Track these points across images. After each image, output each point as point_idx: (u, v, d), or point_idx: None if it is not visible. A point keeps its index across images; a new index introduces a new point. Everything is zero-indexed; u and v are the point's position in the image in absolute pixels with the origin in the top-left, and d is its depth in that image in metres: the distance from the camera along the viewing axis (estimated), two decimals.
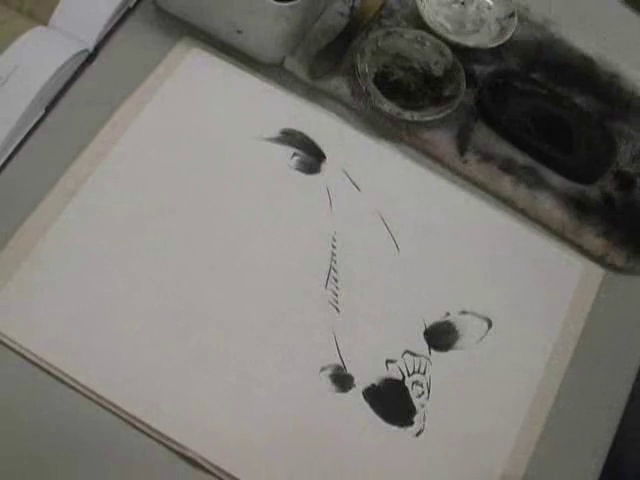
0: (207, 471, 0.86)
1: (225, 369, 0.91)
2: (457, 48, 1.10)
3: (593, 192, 1.07)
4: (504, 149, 1.07)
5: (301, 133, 1.04)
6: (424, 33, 1.11)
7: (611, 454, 0.94)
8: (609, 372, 0.97)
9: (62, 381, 0.87)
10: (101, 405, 0.87)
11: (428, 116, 1.06)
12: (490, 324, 0.97)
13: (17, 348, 0.88)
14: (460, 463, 0.91)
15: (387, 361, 0.93)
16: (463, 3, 1.17)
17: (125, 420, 0.87)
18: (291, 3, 1.00)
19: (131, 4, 1.08)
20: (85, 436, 0.86)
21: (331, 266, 0.97)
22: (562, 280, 1.01)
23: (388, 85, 1.08)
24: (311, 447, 0.89)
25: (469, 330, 0.96)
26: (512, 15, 1.14)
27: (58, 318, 0.90)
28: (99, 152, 0.99)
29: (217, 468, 0.86)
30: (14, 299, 0.90)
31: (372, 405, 0.91)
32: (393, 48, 1.10)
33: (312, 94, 1.08)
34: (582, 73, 1.15)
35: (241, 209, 0.99)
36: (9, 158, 0.97)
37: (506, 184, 1.05)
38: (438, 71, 1.10)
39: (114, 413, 0.87)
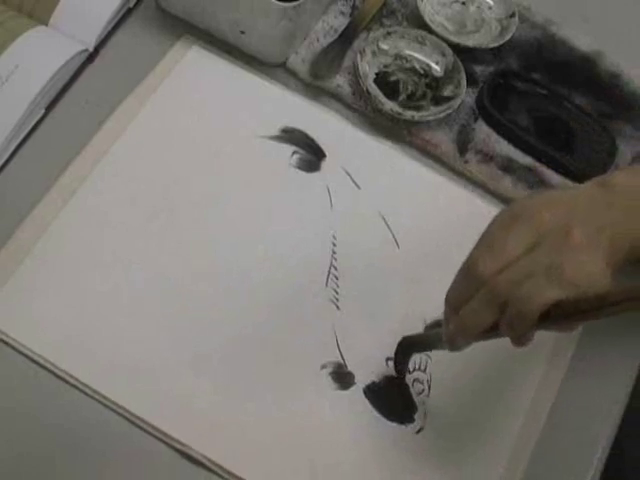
0: (209, 469, 0.86)
1: (226, 368, 0.91)
2: (458, 48, 1.11)
3: None
4: (504, 149, 1.07)
5: (301, 131, 1.04)
6: (424, 33, 1.11)
7: (613, 452, 0.93)
8: (610, 370, 0.97)
9: (64, 380, 0.87)
10: (103, 404, 0.87)
11: (429, 116, 1.06)
12: None
13: (18, 347, 0.88)
14: (460, 460, 0.90)
15: (387, 358, 0.93)
16: (464, 3, 1.17)
17: (128, 419, 0.87)
18: (294, 3, 1.00)
19: (131, 4, 1.08)
20: (88, 435, 0.86)
21: (331, 264, 0.97)
22: None
23: (389, 85, 1.08)
24: (312, 444, 0.89)
25: None
26: (513, 15, 1.14)
27: (59, 317, 0.90)
28: (99, 151, 0.99)
29: (219, 466, 0.86)
30: (15, 297, 0.90)
31: (373, 402, 0.91)
32: (394, 48, 1.10)
33: (313, 93, 1.08)
34: (582, 73, 1.15)
35: (241, 207, 0.99)
36: (9, 158, 0.97)
37: (506, 184, 1.05)
38: (439, 71, 1.10)
39: (116, 412, 0.87)
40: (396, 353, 0.93)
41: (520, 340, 0.77)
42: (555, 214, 0.76)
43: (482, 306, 0.76)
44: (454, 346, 0.81)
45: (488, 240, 0.78)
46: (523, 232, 0.76)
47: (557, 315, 0.74)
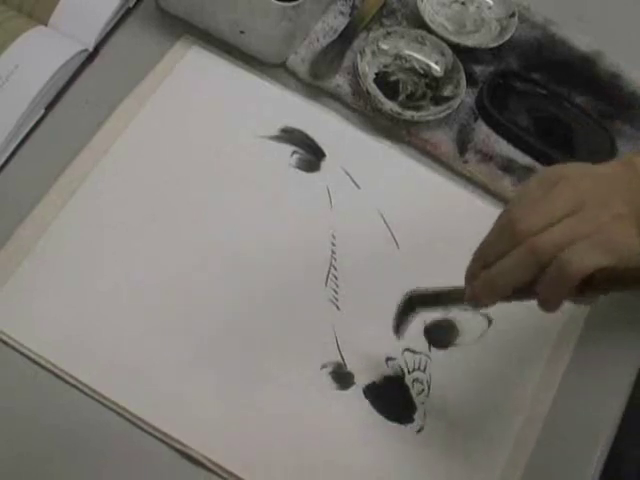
0: (209, 469, 0.86)
1: (226, 367, 0.91)
2: (457, 48, 1.11)
3: None
4: (504, 149, 1.07)
5: (301, 131, 1.05)
6: (424, 33, 1.11)
7: (612, 452, 0.93)
8: (610, 370, 0.97)
9: (63, 380, 0.87)
10: (103, 404, 0.87)
11: (428, 116, 1.06)
12: (490, 322, 0.96)
13: (18, 347, 0.88)
14: (461, 460, 0.90)
15: (387, 359, 0.93)
16: (463, 3, 1.17)
17: (127, 419, 0.87)
18: (294, 3, 1.00)
19: (131, 4, 1.08)
20: (87, 435, 0.86)
21: (331, 264, 0.97)
22: None
23: (388, 85, 1.09)
24: (312, 444, 0.89)
25: (469, 327, 0.96)
26: (512, 15, 1.14)
27: (59, 317, 0.90)
28: (99, 151, 0.99)
29: (219, 466, 0.86)
30: (15, 297, 0.90)
31: (373, 403, 0.91)
32: (393, 48, 1.11)
33: (313, 93, 1.08)
34: (582, 73, 1.15)
35: (241, 207, 0.99)
36: (9, 158, 0.97)
37: (506, 184, 1.05)
38: (438, 71, 1.11)
39: (116, 412, 0.87)
40: (400, 308, 0.93)
41: (550, 304, 0.77)
42: (594, 184, 0.76)
43: (519, 264, 0.75)
44: (478, 303, 0.80)
45: (527, 199, 0.77)
46: (565, 195, 0.75)
47: (599, 282, 0.74)
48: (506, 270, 0.76)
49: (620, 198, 0.75)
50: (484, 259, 0.78)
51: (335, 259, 0.98)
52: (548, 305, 0.77)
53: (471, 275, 0.80)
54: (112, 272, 0.93)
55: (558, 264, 0.73)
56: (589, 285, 0.74)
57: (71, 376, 0.87)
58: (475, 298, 0.79)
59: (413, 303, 0.92)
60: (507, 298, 0.78)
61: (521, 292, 0.76)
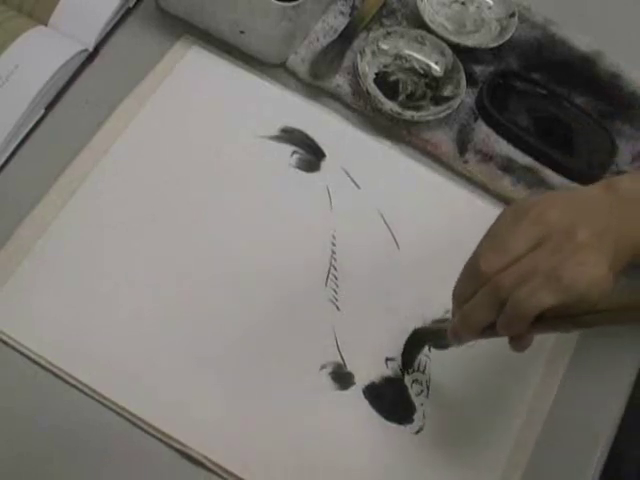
0: (209, 469, 0.86)
1: (226, 368, 0.91)
2: (457, 48, 1.11)
3: None
4: (504, 149, 1.07)
5: (301, 131, 1.05)
6: (424, 33, 1.11)
7: (612, 452, 0.93)
8: (609, 371, 0.97)
9: (63, 380, 0.87)
10: (103, 404, 0.87)
11: (428, 116, 1.06)
12: None
13: (18, 346, 0.88)
14: (460, 461, 0.90)
15: (387, 359, 0.93)
16: (463, 3, 1.17)
17: (127, 419, 0.87)
18: (294, 3, 1.00)
19: (131, 4, 1.08)
20: (87, 435, 0.86)
21: (331, 264, 0.97)
22: None
23: (388, 85, 1.08)
24: (312, 445, 0.89)
25: None
26: (512, 15, 1.14)
27: (59, 317, 0.90)
28: (99, 151, 0.99)
29: (219, 466, 0.86)
30: (15, 297, 0.90)
31: (372, 403, 0.91)
32: (393, 48, 1.10)
33: (313, 93, 1.08)
34: (582, 73, 1.15)
35: (241, 207, 0.99)
36: (9, 158, 0.97)
37: (506, 184, 1.05)
38: (438, 71, 1.10)
39: (116, 412, 0.87)
40: (406, 345, 0.94)
41: (517, 342, 0.78)
42: (561, 214, 0.75)
43: (483, 303, 0.76)
44: (457, 340, 0.82)
45: (493, 237, 0.78)
46: (528, 230, 0.75)
47: (550, 318, 0.74)
48: (474, 309, 0.77)
49: (589, 225, 0.75)
50: (458, 299, 0.80)
51: (335, 259, 0.98)
52: (516, 345, 0.79)
53: (452, 314, 0.82)
54: (112, 272, 0.93)
55: (511, 302, 0.74)
56: (540, 321, 0.75)
57: (71, 376, 0.87)
58: (454, 335, 0.81)
59: (418, 338, 0.94)
60: (482, 335, 0.79)
61: (493, 330, 0.78)
